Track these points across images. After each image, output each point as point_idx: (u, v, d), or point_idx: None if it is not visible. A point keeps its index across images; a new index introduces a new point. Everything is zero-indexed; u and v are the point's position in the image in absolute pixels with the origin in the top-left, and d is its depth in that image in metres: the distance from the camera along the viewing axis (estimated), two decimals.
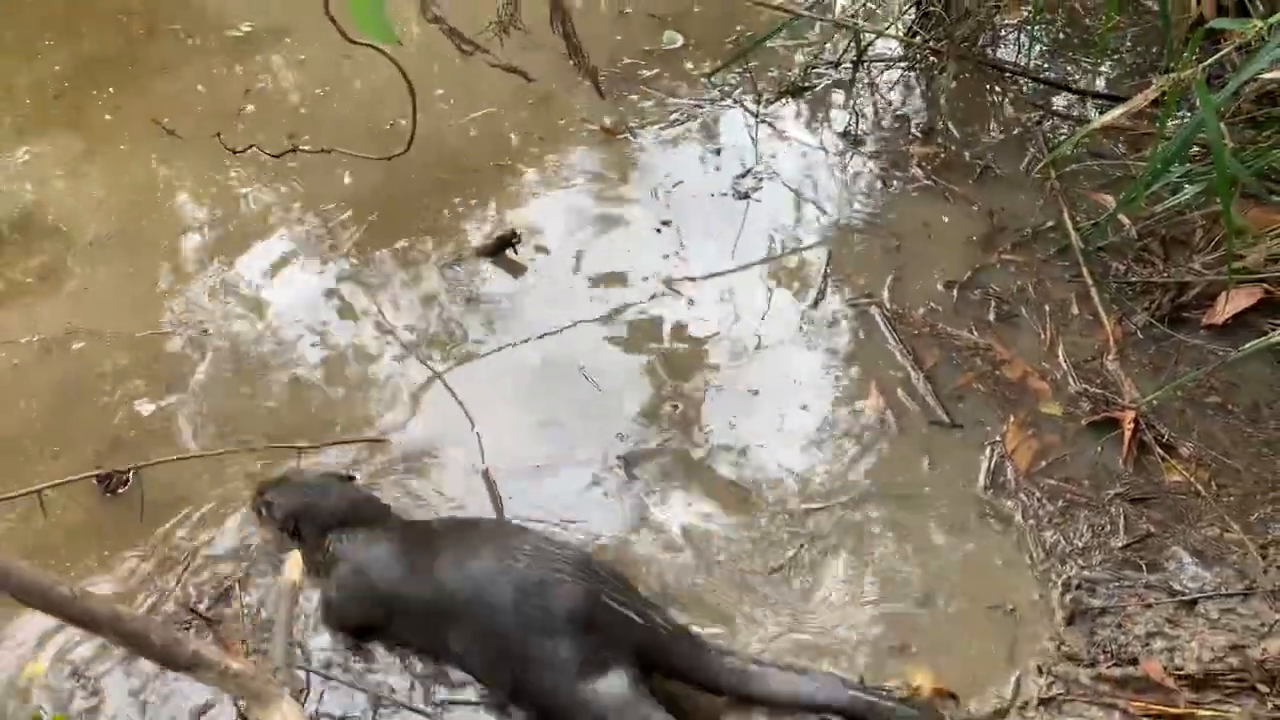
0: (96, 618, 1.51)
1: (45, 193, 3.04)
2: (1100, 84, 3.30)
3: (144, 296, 2.73)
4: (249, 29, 3.57)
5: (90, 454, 2.36)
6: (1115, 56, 3.39)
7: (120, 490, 2.28)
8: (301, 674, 2.02)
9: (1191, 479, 2.28)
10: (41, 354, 2.59)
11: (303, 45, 3.52)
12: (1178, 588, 2.08)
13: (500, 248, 2.85)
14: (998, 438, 2.39)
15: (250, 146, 2.60)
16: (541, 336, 2.64)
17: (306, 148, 2.43)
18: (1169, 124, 2.64)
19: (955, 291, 2.71)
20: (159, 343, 2.62)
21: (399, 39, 1.58)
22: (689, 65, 3.45)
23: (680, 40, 3.54)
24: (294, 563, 1.98)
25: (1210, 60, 2.18)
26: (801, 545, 2.20)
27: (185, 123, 3.12)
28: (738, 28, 3.54)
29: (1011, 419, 2.42)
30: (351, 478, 2.26)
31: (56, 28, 3.59)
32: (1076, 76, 3.35)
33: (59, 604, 1.50)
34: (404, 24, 3.22)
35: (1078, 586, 2.12)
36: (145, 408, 2.47)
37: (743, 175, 3.06)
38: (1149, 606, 2.05)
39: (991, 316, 2.65)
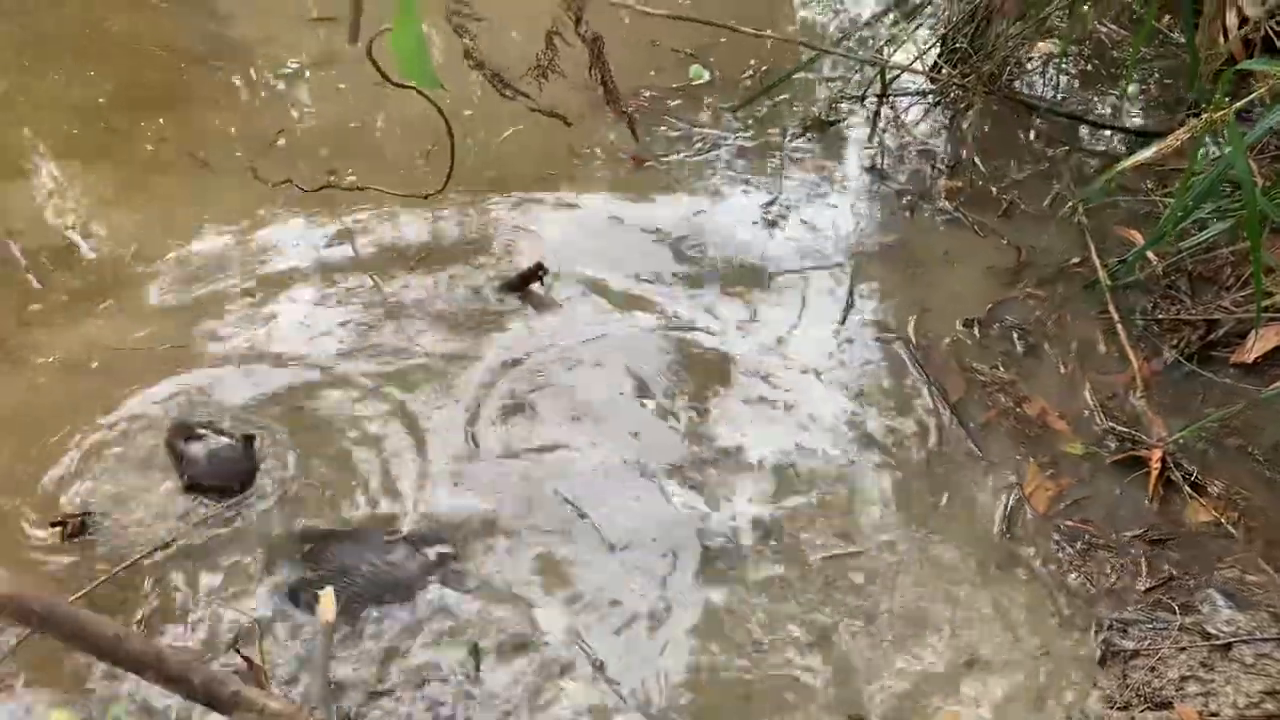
0: (141, 660, 1.54)
1: (85, 220, 3.07)
2: (1134, 118, 3.31)
3: (173, 325, 2.76)
4: (294, 66, 3.61)
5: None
6: (1142, 90, 3.41)
7: (77, 538, 2.23)
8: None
9: (1221, 519, 2.27)
10: (62, 373, 2.61)
11: (345, 77, 3.56)
12: (1212, 631, 2.07)
13: (527, 281, 2.87)
14: (1015, 478, 2.39)
15: (286, 181, 2.62)
16: (569, 365, 2.66)
17: (347, 180, 2.45)
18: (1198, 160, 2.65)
19: (980, 326, 2.71)
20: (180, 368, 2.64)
21: (443, 85, 1.60)
22: (715, 98, 3.48)
23: (707, 75, 3.57)
24: (328, 602, 2.00)
25: (1241, 103, 2.19)
26: (824, 589, 2.20)
27: (224, 155, 3.17)
28: (753, 62, 3.57)
29: (1031, 459, 2.42)
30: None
31: (99, 60, 3.64)
32: (1104, 110, 3.37)
33: (106, 646, 1.53)
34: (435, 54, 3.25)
35: (1109, 628, 2.11)
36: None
37: (768, 205, 3.09)
38: (1183, 649, 2.04)
39: (1017, 352, 2.65)
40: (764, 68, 3.57)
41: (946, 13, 3.58)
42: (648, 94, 3.47)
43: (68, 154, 3.30)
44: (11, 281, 2.85)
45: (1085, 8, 3.19)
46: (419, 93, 1.70)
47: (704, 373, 2.64)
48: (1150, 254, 2.79)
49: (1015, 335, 2.69)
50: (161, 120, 3.40)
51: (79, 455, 2.39)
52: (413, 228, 3.02)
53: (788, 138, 3.31)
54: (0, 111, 3.46)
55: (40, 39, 3.78)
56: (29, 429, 2.44)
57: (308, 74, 3.63)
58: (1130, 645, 2.07)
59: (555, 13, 2.14)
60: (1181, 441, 2.39)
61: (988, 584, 2.20)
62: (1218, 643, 2.05)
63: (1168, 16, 3.56)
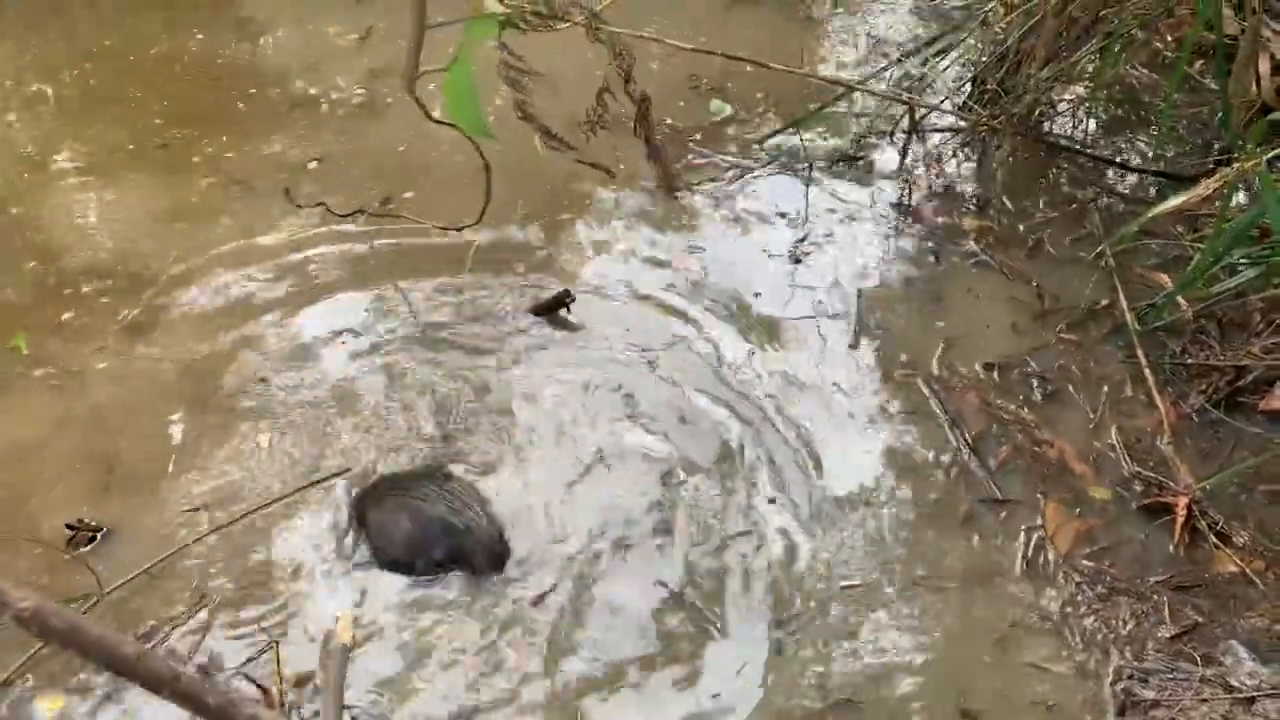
0: (157, 677, 1.54)
1: (124, 239, 3.12)
2: (1164, 161, 3.30)
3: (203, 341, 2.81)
4: (362, 95, 3.67)
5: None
6: (1173, 134, 3.39)
7: (85, 547, 2.27)
8: None
9: (1247, 568, 2.25)
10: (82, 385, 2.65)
11: (385, 101, 3.62)
12: (1234, 683, 2.04)
13: (554, 307, 2.89)
14: (1038, 519, 2.36)
15: (319, 204, 2.66)
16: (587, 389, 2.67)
17: (388, 206, 2.50)
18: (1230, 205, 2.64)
19: (1003, 367, 2.70)
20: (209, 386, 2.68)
21: (492, 133, 1.64)
22: (739, 131, 3.49)
23: (729, 110, 3.59)
24: (344, 624, 2.01)
25: (1273, 153, 2.18)
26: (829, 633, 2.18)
27: (266, 179, 3.21)
28: (763, 96, 3.58)
29: (1052, 500, 2.40)
30: None
31: (145, 83, 3.70)
32: (1132, 154, 3.36)
33: (121, 662, 1.53)
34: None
35: (1129, 676, 2.08)
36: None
37: (794, 240, 3.09)
38: (1204, 701, 2.01)
39: (1041, 394, 2.64)
40: (777, 103, 3.58)
41: (978, 54, 3.59)
42: (673, 126, 3.48)
43: (110, 172, 3.35)
44: (56, 295, 2.90)
45: (1117, 50, 3.17)
46: (462, 133, 1.74)
47: (719, 406, 2.64)
48: (1179, 298, 2.77)
49: (1040, 376, 2.68)
50: (205, 142, 3.45)
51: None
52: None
53: (814, 171, 3.31)
54: (41, 128, 3.53)
55: (83, 60, 3.85)
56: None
57: (352, 98, 3.67)
58: (1150, 695, 2.05)
59: (604, 70, 2.18)
60: (1208, 489, 2.36)
61: (1004, 623, 2.18)
62: (1240, 695, 2.02)
63: (1200, 62, 3.55)
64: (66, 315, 2.83)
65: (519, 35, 1.95)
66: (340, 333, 2.81)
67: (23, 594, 1.50)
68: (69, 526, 2.29)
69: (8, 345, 2.71)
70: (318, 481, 2.37)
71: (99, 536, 2.29)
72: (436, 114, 1.82)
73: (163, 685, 1.55)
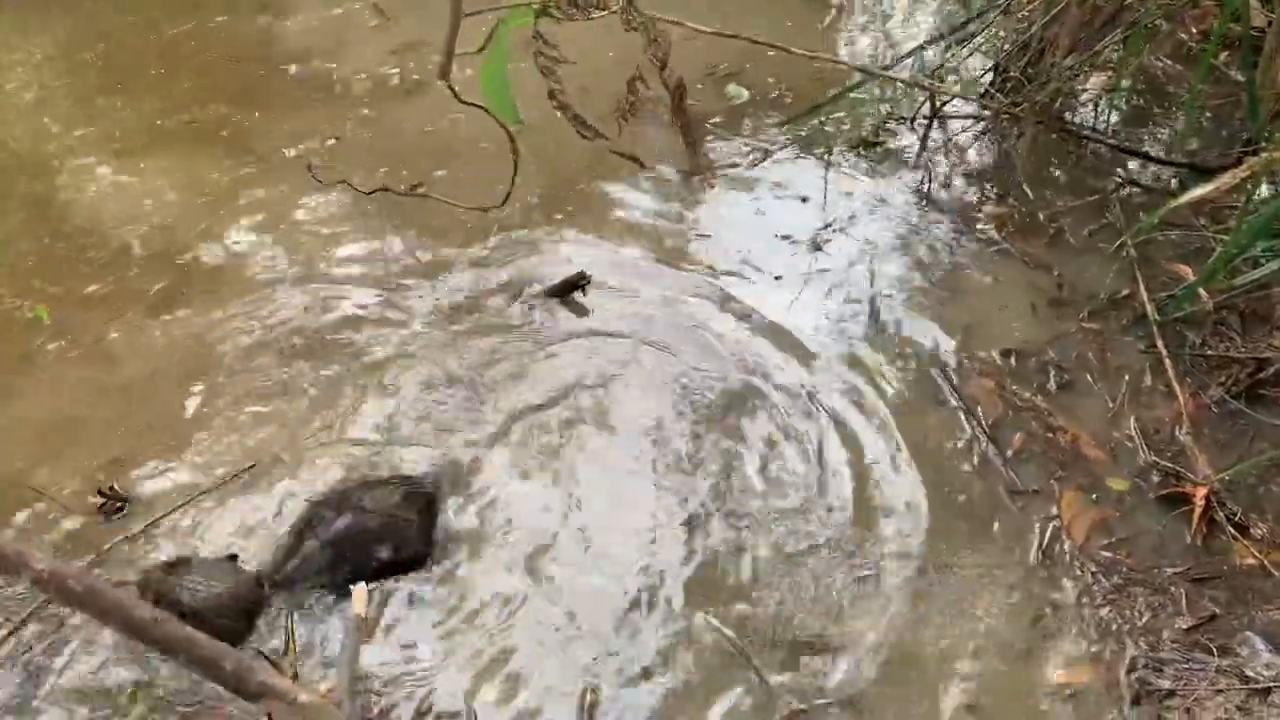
0: (173, 642, 1.55)
1: (149, 213, 3.13)
2: (1187, 152, 3.27)
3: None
4: (387, 73, 3.67)
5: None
6: (1196, 125, 3.37)
7: (116, 516, 2.29)
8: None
9: (1265, 561, 2.23)
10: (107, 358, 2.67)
11: (416, 84, 3.62)
12: (1250, 674, 2.02)
13: (569, 289, 2.88)
14: (1054, 509, 2.35)
15: (341, 181, 2.68)
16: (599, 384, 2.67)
17: (420, 190, 2.52)
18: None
19: (1021, 355, 2.68)
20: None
21: (523, 120, 1.65)
22: (757, 116, 3.48)
23: (746, 94, 3.58)
24: (359, 596, 2.02)
25: None
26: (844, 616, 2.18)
27: (289, 155, 3.24)
28: (775, 82, 3.56)
29: (1069, 490, 2.39)
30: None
31: (168, 70, 3.72)
32: (1154, 145, 3.33)
33: (138, 626, 1.55)
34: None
35: (1144, 666, 2.07)
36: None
37: (815, 226, 3.07)
38: (1220, 692, 2.00)
39: (1059, 383, 2.62)
40: (792, 88, 3.56)
41: (1000, 42, 3.56)
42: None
43: (142, 153, 3.37)
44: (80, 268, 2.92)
45: (1141, 42, 3.15)
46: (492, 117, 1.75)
47: (735, 393, 2.63)
48: (1200, 290, 2.75)
49: (1057, 365, 2.66)
50: (228, 119, 3.47)
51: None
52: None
53: (833, 156, 3.30)
54: (65, 105, 3.55)
55: (107, 39, 3.86)
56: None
57: (378, 76, 3.68)
58: (1166, 685, 2.04)
59: (636, 57, 2.17)
60: (1227, 480, 2.34)
61: (1017, 610, 2.17)
62: (1256, 686, 2.00)
63: (1225, 53, 3.52)
64: (91, 288, 2.84)
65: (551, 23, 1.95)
66: (364, 306, 2.84)
67: (40, 557, 1.51)
68: (100, 493, 2.31)
69: (30, 315, 2.73)
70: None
71: (125, 507, 2.31)
72: (466, 97, 1.82)
73: (179, 650, 1.56)
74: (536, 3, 1.81)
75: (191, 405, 2.56)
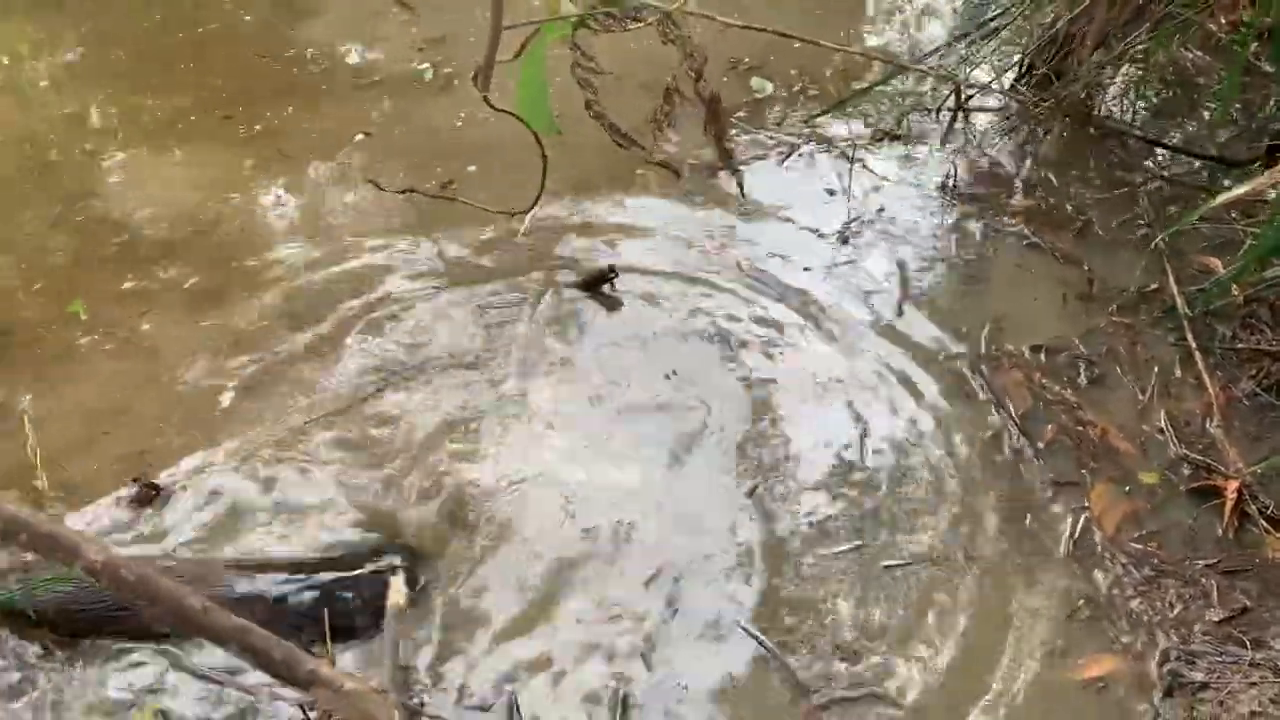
0: (223, 632, 1.58)
1: (183, 207, 3.17)
2: (1217, 144, 3.26)
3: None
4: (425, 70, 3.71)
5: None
6: (1226, 118, 3.35)
7: (146, 505, 2.33)
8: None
9: None
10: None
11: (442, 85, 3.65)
12: None
13: (597, 282, 2.90)
14: (1085, 501, 2.36)
15: (370, 181, 2.72)
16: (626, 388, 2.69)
17: (453, 187, 2.54)
18: None
19: (1051, 349, 2.69)
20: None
21: (560, 130, 1.66)
22: (782, 109, 3.49)
23: (770, 88, 3.59)
24: (396, 586, 2.04)
25: None
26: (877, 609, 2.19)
27: (322, 151, 3.27)
28: (797, 75, 3.56)
29: (1099, 482, 2.39)
30: None
31: (197, 67, 3.76)
32: (1181, 137, 3.32)
33: (189, 616, 1.58)
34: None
35: (1176, 658, 2.08)
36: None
37: (841, 220, 3.08)
38: (1254, 685, 2.00)
39: (1089, 376, 2.62)
40: (816, 81, 3.57)
41: (1026, 37, 3.55)
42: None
43: (174, 149, 3.40)
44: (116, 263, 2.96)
45: (1168, 37, 3.14)
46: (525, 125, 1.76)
47: (758, 389, 2.65)
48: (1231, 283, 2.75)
49: (1087, 358, 2.66)
50: (257, 115, 3.51)
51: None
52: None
53: (859, 149, 3.30)
54: (96, 100, 3.59)
55: (140, 34, 3.90)
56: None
57: (408, 73, 3.71)
58: (1199, 677, 2.04)
59: (672, 69, 2.19)
60: (1259, 473, 2.34)
61: (1048, 604, 2.18)
62: None
63: (1254, 44, 3.50)
64: (128, 284, 2.88)
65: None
66: (398, 300, 2.86)
67: (97, 547, 1.55)
68: (135, 481, 2.35)
69: (67, 310, 2.77)
70: None
71: (159, 495, 2.35)
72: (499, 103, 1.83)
73: (229, 640, 1.59)
74: (575, 15, 1.82)
75: (226, 399, 2.59)
